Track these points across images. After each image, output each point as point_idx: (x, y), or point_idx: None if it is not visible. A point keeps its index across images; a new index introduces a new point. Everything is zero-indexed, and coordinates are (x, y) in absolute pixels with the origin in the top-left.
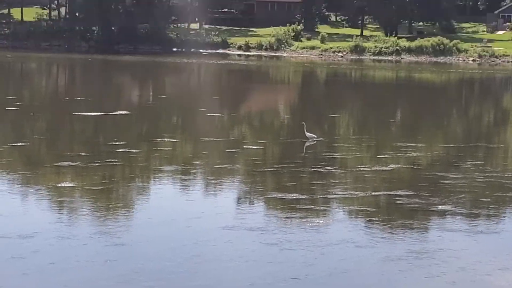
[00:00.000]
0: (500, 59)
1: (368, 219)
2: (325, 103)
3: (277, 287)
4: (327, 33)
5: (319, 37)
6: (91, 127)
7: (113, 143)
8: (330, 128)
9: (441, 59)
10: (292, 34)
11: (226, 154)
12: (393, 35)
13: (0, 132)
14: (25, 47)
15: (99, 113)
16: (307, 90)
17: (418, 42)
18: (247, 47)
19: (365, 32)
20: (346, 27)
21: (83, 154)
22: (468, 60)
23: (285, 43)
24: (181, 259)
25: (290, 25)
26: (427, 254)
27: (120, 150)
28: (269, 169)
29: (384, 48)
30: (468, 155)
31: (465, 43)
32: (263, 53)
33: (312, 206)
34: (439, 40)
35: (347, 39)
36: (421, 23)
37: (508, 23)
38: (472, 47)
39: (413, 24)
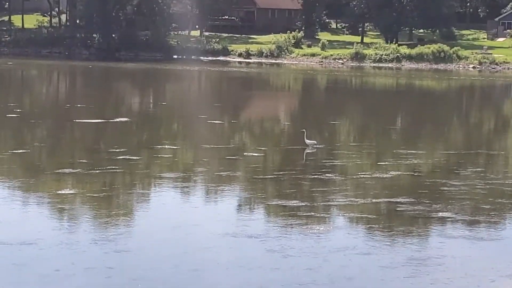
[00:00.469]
0: (500, 66)
1: (369, 226)
2: (326, 110)
3: None
4: (327, 40)
5: (320, 44)
6: (92, 134)
7: (114, 150)
8: (330, 135)
9: (441, 66)
10: (293, 41)
11: (226, 161)
12: (394, 42)
13: (1, 139)
14: (26, 54)
15: (99, 120)
16: (308, 97)
17: (418, 49)
18: (248, 54)
19: (366, 39)
20: (347, 34)
21: (84, 161)
22: (469, 67)
23: (286, 50)
24: (182, 266)
25: (291, 32)
26: (430, 260)
27: (121, 157)
28: (269, 176)
29: (385, 55)
30: (468, 162)
31: (466, 50)
32: (263, 60)
33: (313, 213)
34: (439, 47)
35: (347, 46)
36: (421, 30)
37: (508, 30)
38: (473, 54)
39: (413, 31)
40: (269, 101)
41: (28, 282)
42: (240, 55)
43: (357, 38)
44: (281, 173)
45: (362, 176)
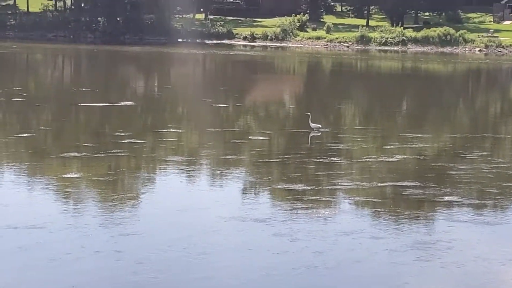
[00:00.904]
0: (506, 49)
1: (376, 210)
2: (331, 93)
3: (292, 276)
4: (332, 24)
5: (325, 28)
6: (97, 118)
7: (119, 133)
8: (336, 119)
9: (447, 49)
10: (298, 24)
11: (231, 144)
12: (399, 25)
13: (6, 123)
14: (31, 37)
15: (104, 104)
16: (313, 80)
17: (424, 32)
18: (253, 38)
19: (371, 23)
20: (352, 17)
21: (89, 144)
22: (475, 51)
23: (291, 34)
24: (190, 250)
25: (296, 16)
26: (439, 244)
27: (126, 140)
28: (275, 160)
29: (390, 38)
30: (475, 146)
31: (472, 33)
32: (268, 44)
33: (319, 197)
34: (445, 30)
35: (352, 30)
36: (427, 13)
37: None
38: (479, 37)
39: (419, 14)
40: (274, 84)
41: (37, 265)
42: (245, 38)
43: (363, 21)
44: (286, 156)
45: (367, 159)
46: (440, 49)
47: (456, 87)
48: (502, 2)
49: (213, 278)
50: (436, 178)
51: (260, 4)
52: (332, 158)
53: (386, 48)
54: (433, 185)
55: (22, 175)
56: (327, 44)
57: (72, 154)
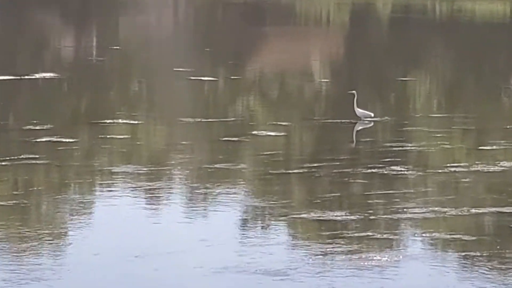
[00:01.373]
0: None
1: (464, 254)
2: (391, 58)
3: None
4: None
5: None
6: None
7: (32, 127)
8: (399, 101)
9: None
10: None
11: (222, 145)
12: None
13: None
14: None
15: (8, 77)
16: (360, 36)
17: None
18: None
19: None
20: None
21: None
22: None
23: None
24: None
25: None
26: None
27: (44, 139)
28: (295, 171)
29: None
30: None
31: None
32: None
33: (371, 234)
34: None
35: None
36: None
37: None
38: None
39: None
40: (294, 43)
41: None
42: None
43: None
44: (314, 165)
45: (452, 169)
46: None
47: None
48: None
49: None
50: None
51: None
52: (393, 168)
53: None
54: None
55: None
56: None
57: None
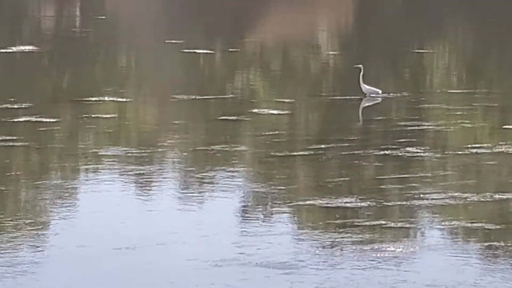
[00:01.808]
0: None
1: (487, 244)
2: (406, 28)
3: None
4: None
5: None
6: None
7: (9, 105)
8: (414, 75)
9: None
10: None
11: (220, 125)
12: None
13: None
14: None
15: None
16: (372, 4)
17: None
18: None
19: None
20: None
21: None
22: None
23: None
24: None
25: None
26: None
27: (22, 118)
28: (300, 153)
29: None
30: None
31: None
32: None
33: (384, 222)
34: None
35: None
36: None
37: None
38: None
39: None
40: (298, 11)
41: None
42: None
43: None
44: (322, 146)
45: (474, 151)
46: None
47: None
48: None
49: None
50: None
51: None
52: (409, 149)
53: None
54: None
55: None
56: None
57: None
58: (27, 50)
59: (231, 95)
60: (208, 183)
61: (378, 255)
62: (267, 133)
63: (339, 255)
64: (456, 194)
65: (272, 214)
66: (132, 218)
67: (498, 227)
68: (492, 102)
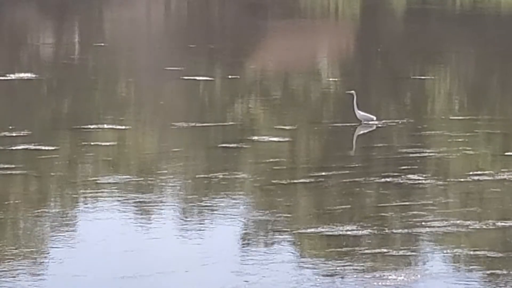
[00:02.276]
0: None
1: (489, 272)
2: (406, 54)
3: None
4: None
5: None
6: None
7: (7, 133)
8: (415, 102)
9: None
10: None
11: (220, 152)
12: None
13: None
14: None
15: None
16: (372, 30)
17: None
18: None
19: None
20: None
21: None
22: None
23: None
24: None
25: None
26: None
27: (21, 146)
28: (301, 181)
29: None
30: None
31: None
32: None
33: (384, 250)
34: None
35: None
36: None
37: None
38: None
39: None
40: (299, 38)
41: None
42: None
43: None
44: (322, 174)
45: (476, 178)
46: None
47: None
48: None
49: None
50: None
51: None
52: (410, 176)
53: None
54: None
55: None
56: None
57: None
58: (26, 78)
59: (231, 122)
60: (209, 211)
61: (380, 283)
62: (268, 160)
63: (340, 284)
64: (458, 221)
65: (273, 242)
66: (133, 246)
67: (500, 255)
68: (494, 129)
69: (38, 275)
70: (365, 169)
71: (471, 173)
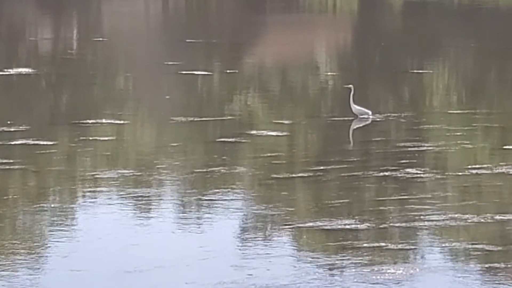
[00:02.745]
0: None
1: (488, 266)
2: (405, 49)
3: None
4: None
5: None
6: None
7: (5, 128)
8: (414, 96)
9: None
10: None
11: (218, 147)
12: None
13: None
14: None
15: None
16: (371, 25)
17: None
18: None
19: None
20: None
21: None
22: None
23: None
24: None
25: None
26: None
27: (19, 141)
28: (299, 175)
29: None
30: None
31: None
32: None
33: (382, 244)
34: None
35: None
36: None
37: None
38: None
39: None
40: (297, 33)
41: None
42: None
43: None
44: (321, 168)
45: (474, 172)
46: None
47: None
48: None
49: None
50: None
51: None
52: (408, 170)
53: None
54: None
55: None
56: None
57: None
58: (24, 73)
59: (229, 117)
60: (207, 205)
61: (378, 277)
62: (266, 154)
63: (339, 277)
64: (456, 215)
65: (271, 236)
66: (132, 241)
67: (498, 248)
68: (492, 123)
69: (37, 270)
70: (363, 163)
71: (469, 166)
